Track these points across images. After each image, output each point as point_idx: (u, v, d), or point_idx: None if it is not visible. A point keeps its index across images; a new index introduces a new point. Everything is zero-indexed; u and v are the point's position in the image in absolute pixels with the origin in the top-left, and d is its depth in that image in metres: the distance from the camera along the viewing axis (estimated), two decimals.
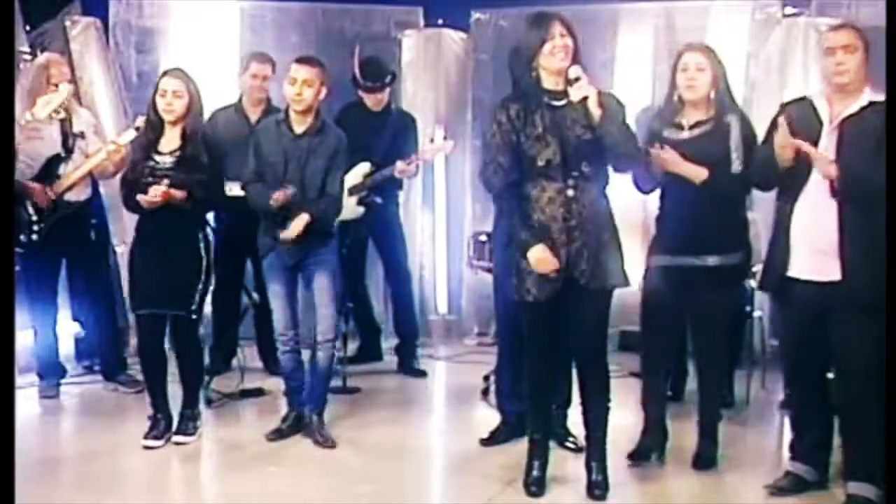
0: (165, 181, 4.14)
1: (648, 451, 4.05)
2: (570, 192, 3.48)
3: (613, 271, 3.56)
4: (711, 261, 3.85)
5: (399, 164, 5.32)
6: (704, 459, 3.98)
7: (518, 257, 3.55)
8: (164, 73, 4.34)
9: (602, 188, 3.58)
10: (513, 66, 3.57)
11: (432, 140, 5.82)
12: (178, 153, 4.25)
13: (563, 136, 3.48)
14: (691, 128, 3.87)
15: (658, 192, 3.99)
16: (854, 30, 3.55)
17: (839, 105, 3.47)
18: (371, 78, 5.57)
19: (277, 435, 4.37)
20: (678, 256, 3.88)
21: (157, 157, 4.25)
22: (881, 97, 3.45)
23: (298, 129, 4.27)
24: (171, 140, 4.28)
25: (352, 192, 5.21)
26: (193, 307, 4.28)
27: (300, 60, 4.30)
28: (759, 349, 5.32)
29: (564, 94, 3.50)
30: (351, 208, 5.18)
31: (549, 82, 3.51)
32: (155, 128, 4.27)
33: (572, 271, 3.50)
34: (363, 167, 5.35)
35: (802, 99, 3.65)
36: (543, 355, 3.66)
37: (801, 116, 3.52)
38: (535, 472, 3.72)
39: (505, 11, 6.55)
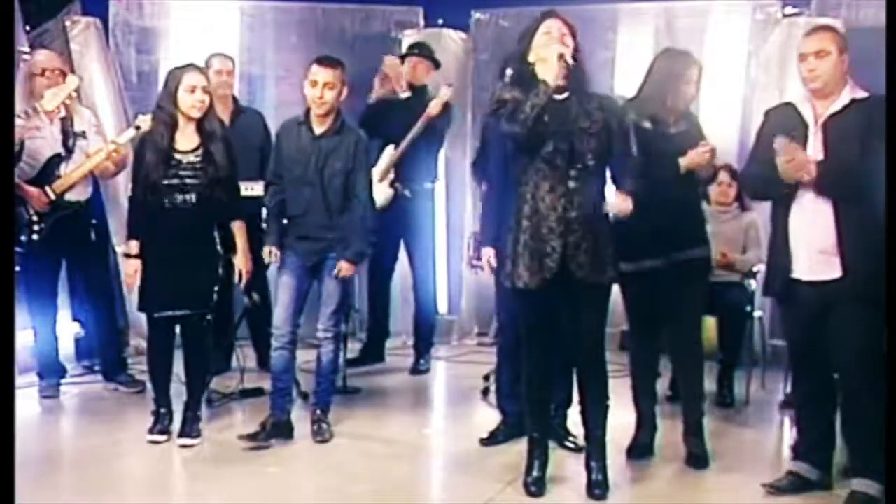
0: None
1: (645, 446, 4.10)
2: (571, 184, 3.49)
3: (610, 265, 3.58)
4: (681, 257, 3.92)
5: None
6: (695, 458, 4.00)
7: (511, 243, 3.57)
8: (184, 69, 4.19)
9: (602, 183, 3.60)
10: (510, 62, 3.60)
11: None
12: (200, 151, 4.19)
13: (568, 129, 3.50)
14: (675, 124, 3.98)
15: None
16: (826, 33, 3.58)
17: (821, 106, 3.52)
18: (413, 47, 5.75)
19: (249, 440, 4.18)
20: (649, 258, 3.92)
21: (179, 156, 4.18)
22: (862, 94, 3.50)
23: (318, 129, 4.24)
24: (188, 138, 4.20)
25: (381, 177, 5.23)
26: (212, 305, 4.28)
27: (321, 62, 4.20)
28: (759, 349, 5.32)
29: (566, 88, 3.52)
30: (382, 194, 5.21)
31: (549, 76, 3.48)
32: (169, 126, 4.17)
33: (568, 263, 3.50)
34: (388, 150, 5.37)
35: (786, 104, 3.70)
36: (540, 351, 3.66)
37: (787, 121, 3.57)
38: (534, 472, 3.72)
39: (505, 11, 6.55)
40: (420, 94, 5.63)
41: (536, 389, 3.72)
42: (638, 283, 3.94)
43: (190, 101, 4.15)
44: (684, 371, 4.12)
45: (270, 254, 4.33)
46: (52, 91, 4.56)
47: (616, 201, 3.55)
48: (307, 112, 4.28)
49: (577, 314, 3.59)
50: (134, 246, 4.25)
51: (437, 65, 5.81)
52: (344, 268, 4.21)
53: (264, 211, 4.53)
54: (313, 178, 4.21)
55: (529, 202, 3.53)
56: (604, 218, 3.59)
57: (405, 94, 5.61)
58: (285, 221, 4.35)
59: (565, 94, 3.54)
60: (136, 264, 4.24)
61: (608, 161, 3.57)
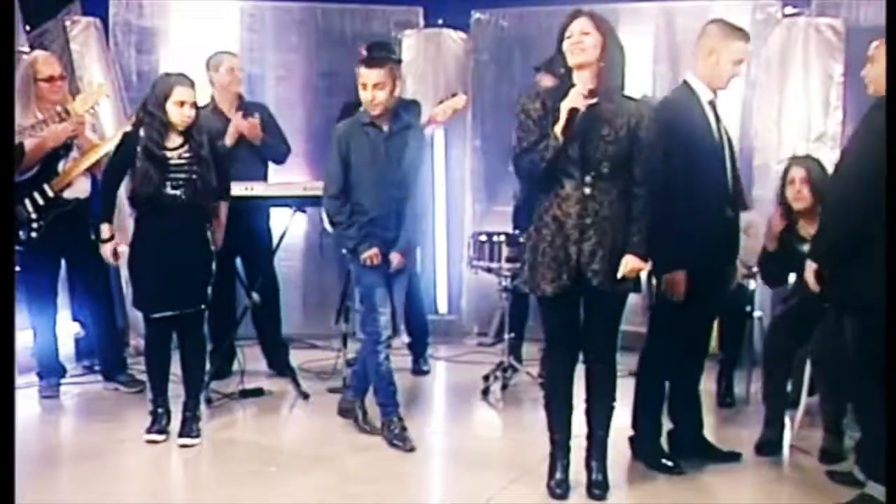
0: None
1: (770, 443, 4.21)
2: (587, 191, 3.47)
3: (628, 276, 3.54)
4: None
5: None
6: (828, 454, 4.10)
7: (531, 251, 3.56)
8: (175, 81, 4.19)
9: (622, 191, 3.52)
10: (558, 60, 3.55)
11: (441, 101, 5.53)
12: (184, 148, 4.21)
13: (586, 136, 3.45)
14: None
15: None
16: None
17: None
18: (373, 49, 5.57)
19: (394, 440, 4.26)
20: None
21: (168, 154, 4.20)
22: None
23: (385, 127, 4.22)
24: (173, 139, 4.23)
25: None
26: (207, 301, 4.29)
27: (367, 64, 4.21)
28: (760, 349, 5.32)
29: (596, 92, 3.45)
30: None
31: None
32: (161, 133, 4.18)
33: (584, 270, 3.49)
34: None
35: None
36: (562, 355, 3.65)
37: None
38: (558, 475, 3.67)
39: (505, 11, 6.57)
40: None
41: (557, 390, 3.69)
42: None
43: (178, 115, 4.17)
44: (833, 372, 4.08)
45: (373, 257, 4.18)
46: (82, 95, 4.81)
47: (628, 260, 3.49)
48: (368, 113, 4.23)
49: (592, 316, 3.59)
50: (107, 229, 4.33)
51: (399, 62, 5.78)
52: (398, 259, 4.21)
53: (330, 221, 4.42)
54: (391, 178, 4.18)
55: (549, 210, 3.52)
56: (624, 225, 3.52)
57: None
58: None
59: (594, 100, 3.45)
60: (112, 246, 4.35)
61: (630, 167, 3.52)
